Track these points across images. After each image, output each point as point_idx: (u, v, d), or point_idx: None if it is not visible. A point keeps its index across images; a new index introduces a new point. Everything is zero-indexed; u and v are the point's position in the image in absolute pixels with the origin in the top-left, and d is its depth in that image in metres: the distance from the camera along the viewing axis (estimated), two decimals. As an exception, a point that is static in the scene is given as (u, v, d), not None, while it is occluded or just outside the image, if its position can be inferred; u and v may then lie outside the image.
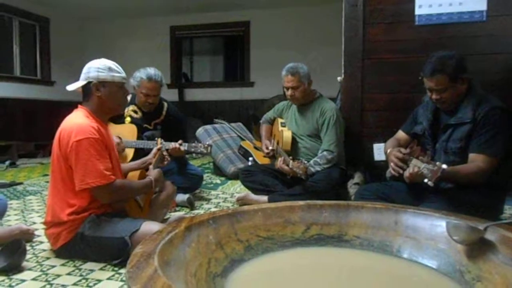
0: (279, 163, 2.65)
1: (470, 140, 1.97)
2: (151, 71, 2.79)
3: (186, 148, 2.68)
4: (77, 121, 1.82)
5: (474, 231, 1.16)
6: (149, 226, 1.79)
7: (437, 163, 1.71)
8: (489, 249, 1.13)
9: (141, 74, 2.81)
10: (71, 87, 1.91)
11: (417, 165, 1.80)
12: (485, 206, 1.94)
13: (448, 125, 2.04)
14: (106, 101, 1.89)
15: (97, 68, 1.87)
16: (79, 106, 1.93)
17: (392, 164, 2.01)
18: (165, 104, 3.03)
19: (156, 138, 2.70)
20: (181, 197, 2.87)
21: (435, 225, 1.31)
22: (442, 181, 1.87)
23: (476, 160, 1.92)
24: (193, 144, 2.72)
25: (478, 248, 1.16)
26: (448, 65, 1.93)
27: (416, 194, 2.10)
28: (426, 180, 1.71)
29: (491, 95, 2.03)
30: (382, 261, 1.32)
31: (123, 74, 1.95)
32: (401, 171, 1.96)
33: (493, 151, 1.90)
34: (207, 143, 2.79)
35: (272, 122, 3.27)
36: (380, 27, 3.12)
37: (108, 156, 1.87)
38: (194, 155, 2.79)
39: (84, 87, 1.89)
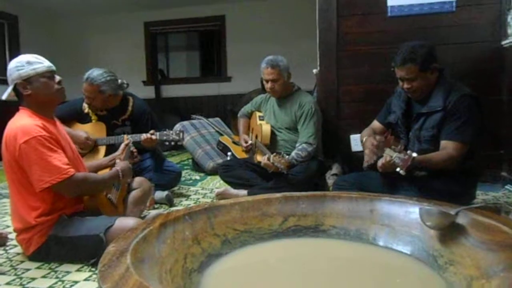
0: (262, 160, 2.63)
1: (442, 127, 2.01)
2: (94, 73, 2.69)
3: (158, 137, 2.64)
4: (20, 122, 1.75)
5: (446, 216, 1.19)
6: (124, 221, 1.76)
7: (408, 152, 1.74)
8: (461, 233, 1.16)
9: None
10: (3, 96, 1.84)
11: (389, 154, 1.83)
12: (458, 192, 1.99)
13: (420, 114, 2.08)
14: (38, 96, 1.79)
15: (16, 67, 1.78)
16: (20, 108, 1.84)
17: (366, 151, 2.05)
18: (131, 99, 2.96)
19: (122, 134, 2.65)
20: (160, 194, 2.84)
21: (409, 212, 1.33)
22: (414, 169, 1.91)
23: (447, 147, 1.97)
24: (165, 132, 2.68)
25: (450, 232, 1.19)
26: (418, 55, 1.96)
27: (391, 183, 2.13)
28: (398, 169, 1.74)
29: (461, 84, 2.08)
30: (359, 249, 1.34)
31: (47, 63, 1.83)
32: (375, 158, 1.99)
33: (463, 138, 1.95)
34: (179, 129, 2.75)
35: (249, 115, 3.26)
36: (353, 19, 3.14)
37: (62, 151, 1.79)
38: (167, 143, 2.73)
39: (14, 91, 1.80)
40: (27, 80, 1.77)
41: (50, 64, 1.85)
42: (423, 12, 3.01)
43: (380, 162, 1.89)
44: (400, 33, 3.01)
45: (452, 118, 1.96)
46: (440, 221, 1.19)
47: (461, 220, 1.18)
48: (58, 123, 1.95)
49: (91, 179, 1.90)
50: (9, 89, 1.81)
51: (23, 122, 1.75)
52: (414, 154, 1.67)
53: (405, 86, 2.04)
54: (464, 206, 1.25)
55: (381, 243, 1.33)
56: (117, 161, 2.13)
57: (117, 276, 0.80)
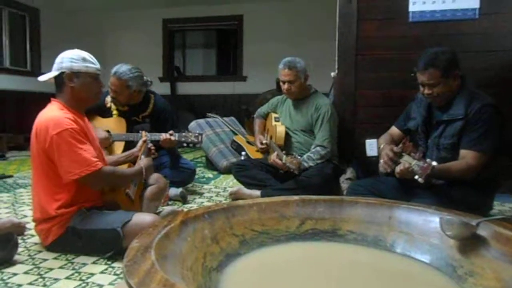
0: (272, 157, 2.65)
1: (462, 136, 1.99)
2: (123, 67, 2.71)
3: (177, 138, 2.67)
4: (52, 114, 1.79)
5: (467, 227, 1.18)
6: (141, 217, 1.79)
7: (428, 160, 1.73)
8: (481, 245, 1.15)
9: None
10: (43, 78, 1.88)
11: (408, 161, 1.82)
12: (475, 202, 1.97)
13: (440, 121, 2.07)
14: (79, 92, 1.85)
15: (71, 58, 1.84)
16: (52, 99, 1.89)
17: (382, 161, 2.04)
18: (152, 97, 2.99)
19: (140, 131, 2.68)
20: (174, 191, 2.86)
21: (428, 220, 1.32)
22: (432, 178, 1.89)
23: (466, 157, 1.95)
24: (184, 134, 2.71)
25: (470, 243, 1.18)
26: (441, 60, 1.95)
27: (407, 190, 2.12)
28: (416, 177, 1.73)
29: (483, 93, 2.06)
30: (376, 255, 1.34)
31: (98, 66, 1.91)
32: (389, 170, 1.98)
33: (483, 148, 1.93)
34: (198, 132, 2.77)
35: (265, 116, 3.27)
36: (374, 23, 3.12)
37: (90, 145, 1.83)
38: (185, 145, 2.75)
39: (57, 78, 1.85)
40: (76, 74, 1.83)
41: (99, 67, 1.92)
42: (445, 19, 2.98)
43: (398, 169, 1.88)
44: (420, 39, 2.99)
45: (473, 128, 1.95)
46: (461, 232, 1.18)
47: (482, 231, 1.17)
48: (86, 119, 2.00)
49: (117, 174, 1.95)
50: (53, 74, 1.85)
51: (55, 114, 1.79)
52: (434, 163, 1.66)
53: (426, 91, 2.02)
54: (485, 218, 1.24)
55: (398, 250, 1.33)
56: (142, 157, 2.16)
57: (143, 272, 0.82)
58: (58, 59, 1.86)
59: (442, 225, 1.22)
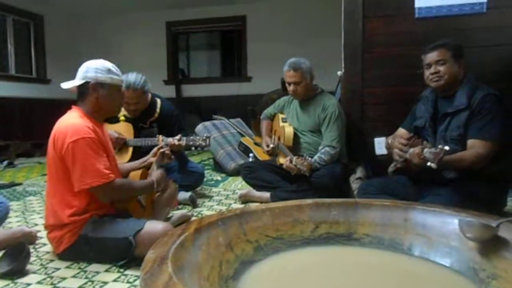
0: (286, 163, 2.61)
1: (468, 127, 1.99)
2: (131, 78, 2.68)
3: (184, 142, 2.66)
4: (72, 121, 1.79)
5: (487, 229, 1.15)
6: (153, 225, 1.78)
7: (439, 146, 1.72)
8: (503, 247, 1.12)
9: None
10: (66, 85, 1.87)
11: (420, 148, 1.82)
12: (489, 198, 1.96)
13: (446, 114, 2.08)
14: (103, 102, 1.87)
15: (96, 68, 1.84)
16: (73, 107, 1.90)
17: (396, 150, 2.05)
18: (159, 101, 2.97)
19: (157, 136, 2.66)
20: (183, 195, 2.85)
21: (446, 222, 1.30)
22: (444, 167, 1.87)
23: (474, 146, 1.95)
24: (191, 138, 2.69)
25: (491, 245, 1.15)
26: (450, 43, 2.06)
27: (420, 188, 2.10)
28: (429, 164, 1.70)
29: (485, 85, 2.07)
30: (394, 259, 1.31)
31: (121, 77, 1.93)
32: (406, 155, 1.97)
33: (491, 136, 1.93)
34: (205, 135, 2.76)
35: (272, 117, 3.24)
36: (380, 20, 3.09)
37: (106, 156, 1.84)
38: (193, 149, 2.74)
39: (80, 86, 1.85)
40: (101, 85, 1.84)
41: (122, 79, 1.95)
42: (452, 14, 2.93)
43: (410, 150, 1.90)
44: (427, 35, 2.93)
45: (478, 117, 1.96)
46: (481, 234, 1.15)
47: (503, 232, 1.15)
48: (104, 128, 2.00)
49: (128, 187, 1.94)
50: (77, 82, 1.85)
51: (75, 121, 1.80)
52: (446, 148, 1.65)
53: (432, 70, 2.05)
54: (505, 218, 1.21)
55: (416, 253, 1.31)
56: (154, 168, 2.15)
57: (161, 285, 0.80)
58: (82, 68, 1.87)
59: (461, 227, 1.19)
